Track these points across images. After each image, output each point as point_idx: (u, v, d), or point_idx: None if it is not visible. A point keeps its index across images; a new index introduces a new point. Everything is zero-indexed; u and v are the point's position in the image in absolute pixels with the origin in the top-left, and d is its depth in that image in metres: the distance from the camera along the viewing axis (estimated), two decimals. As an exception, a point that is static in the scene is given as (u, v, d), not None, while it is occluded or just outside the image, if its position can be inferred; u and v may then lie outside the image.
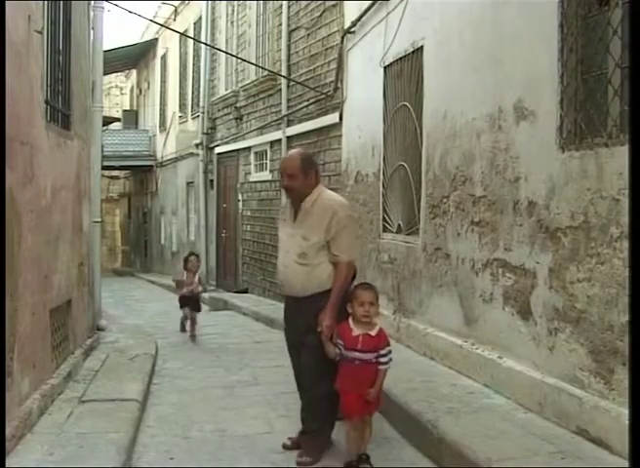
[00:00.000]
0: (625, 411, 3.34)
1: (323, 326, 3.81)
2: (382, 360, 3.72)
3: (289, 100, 10.94)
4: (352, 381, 3.73)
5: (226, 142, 14.57)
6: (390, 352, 3.78)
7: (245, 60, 12.38)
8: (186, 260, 8.06)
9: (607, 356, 3.60)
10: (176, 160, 19.06)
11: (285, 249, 4.11)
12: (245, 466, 3.91)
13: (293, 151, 4.43)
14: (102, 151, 8.86)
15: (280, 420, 4.74)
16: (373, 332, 3.76)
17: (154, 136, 21.96)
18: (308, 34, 10.18)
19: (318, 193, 4.07)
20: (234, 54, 13.34)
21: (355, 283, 4.06)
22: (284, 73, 10.87)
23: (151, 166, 21.93)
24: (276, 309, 9.06)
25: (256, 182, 12.75)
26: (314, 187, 4.08)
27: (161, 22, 17.05)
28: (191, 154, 16.99)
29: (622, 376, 3.46)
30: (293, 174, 4.05)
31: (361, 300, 3.75)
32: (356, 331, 3.75)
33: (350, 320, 3.80)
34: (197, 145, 16.24)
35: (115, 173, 25.82)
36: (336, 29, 9.00)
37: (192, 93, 17.57)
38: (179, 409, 5.01)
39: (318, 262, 3.96)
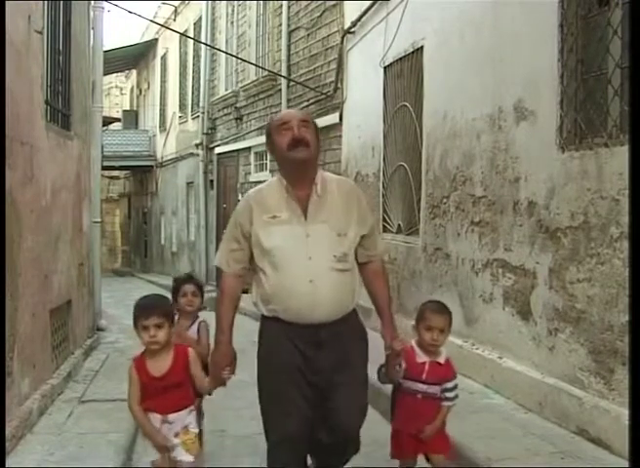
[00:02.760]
0: (625, 411, 3.34)
1: (396, 348, 2.91)
2: (449, 395, 3.10)
3: (289, 101, 10.94)
4: (409, 418, 3.10)
5: (226, 142, 14.57)
6: (457, 386, 3.15)
7: (245, 61, 12.38)
8: (177, 290, 3.77)
9: (607, 356, 3.59)
10: (176, 160, 19.05)
11: (301, 255, 2.79)
12: (245, 466, 3.91)
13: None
14: (102, 151, 8.86)
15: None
16: (441, 360, 3.11)
17: (154, 136, 21.94)
18: (308, 34, 10.18)
19: (322, 175, 2.96)
20: (234, 54, 13.34)
21: None
22: (284, 73, 10.87)
23: (151, 166, 21.92)
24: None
25: (256, 183, 12.72)
26: (317, 166, 3.00)
27: (161, 22, 17.04)
28: (191, 154, 16.99)
29: (622, 376, 3.46)
30: (308, 121, 2.91)
31: (429, 325, 3.06)
32: (421, 356, 3.09)
33: (414, 343, 3.13)
34: (197, 145, 16.24)
35: (115, 173, 25.79)
36: (336, 29, 9.00)
37: (192, 93, 17.57)
38: (179, 410, 4.99)
39: (353, 268, 2.94)
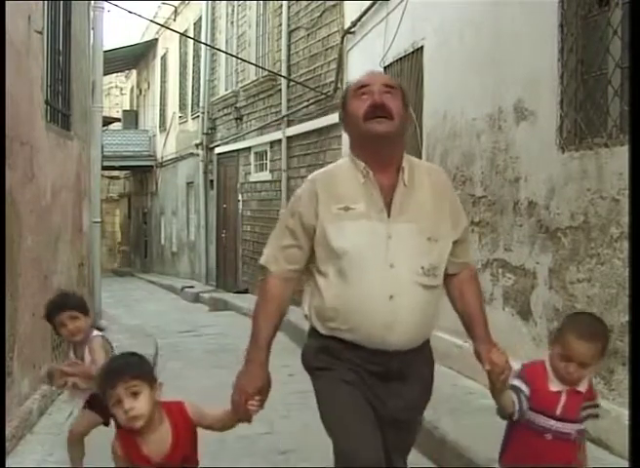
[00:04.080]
0: (625, 411, 3.34)
1: (500, 367, 2.18)
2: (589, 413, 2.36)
3: (289, 101, 10.94)
4: (529, 462, 2.30)
5: (226, 143, 14.57)
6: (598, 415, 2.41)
7: (245, 61, 12.39)
8: (51, 320, 3.21)
9: (607, 356, 3.59)
10: (176, 160, 19.05)
11: (380, 262, 2.20)
12: (245, 466, 3.91)
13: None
14: (102, 151, 8.87)
15: (280, 421, 4.73)
16: (582, 387, 2.30)
17: (154, 136, 21.95)
18: (308, 34, 10.18)
19: (409, 160, 2.34)
20: (234, 54, 13.34)
21: None
22: (284, 73, 10.87)
23: (151, 166, 21.92)
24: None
25: (256, 183, 12.75)
26: (404, 147, 2.37)
27: (161, 23, 17.04)
28: (191, 154, 16.99)
29: (622, 376, 3.46)
30: (394, 86, 2.28)
31: (567, 355, 2.23)
32: (555, 383, 2.29)
33: (547, 364, 2.31)
34: (197, 145, 16.24)
35: (115, 173, 25.80)
36: (336, 29, 9.00)
37: (192, 93, 17.57)
38: (179, 410, 4.99)
39: (442, 284, 2.37)
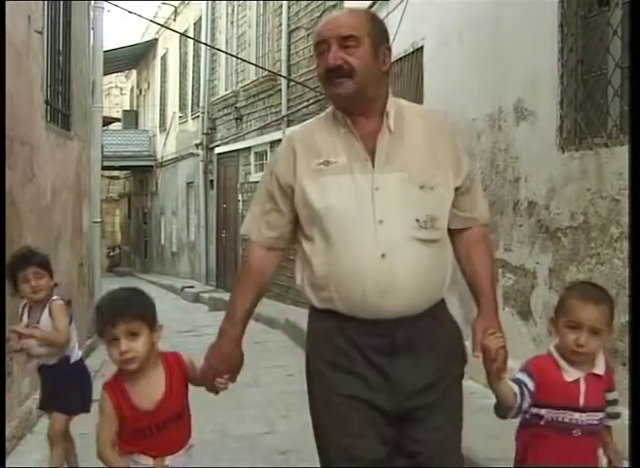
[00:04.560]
0: (625, 412, 3.34)
1: (492, 348, 1.97)
2: (612, 412, 2.23)
3: (289, 101, 10.94)
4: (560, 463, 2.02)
5: (226, 143, 14.57)
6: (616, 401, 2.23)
7: (245, 61, 12.39)
8: (14, 275, 3.06)
9: (607, 356, 3.59)
10: (176, 160, 19.05)
11: (367, 219, 1.95)
12: (245, 466, 3.91)
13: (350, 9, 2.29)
14: (102, 151, 8.86)
15: (280, 420, 4.73)
16: (599, 370, 2.11)
17: (154, 136, 21.95)
18: (308, 34, 10.17)
19: (397, 103, 2.08)
20: (234, 54, 13.34)
21: None
22: (284, 73, 10.88)
23: (151, 166, 21.93)
24: (276, 309, 9.08)
25: (256, 183, 12.73)
26: (387, 90, 2.07)
27: (161, 23, 17.04)
28: (191, 154, 16.99)
29: (622, 376, 3.46)
30: (353, 36, 1.96)
31: (578, 320, 2.03)
32: (570, 371, 2.05)
33: (554, 349, 2.12)
34: (197, 145, 16.24)
35: (115, 173, 25.81)
36: (336, 29, 8.99)
37: (192, 93, 17.57)
38: (179, 410, 4.99)
39: (445, 237, 2.08)
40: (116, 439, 2.13)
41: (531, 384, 2.05)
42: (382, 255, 1.91)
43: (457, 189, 2.06)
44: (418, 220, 1.95)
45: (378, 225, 1.93)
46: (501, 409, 2.09)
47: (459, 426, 2.10)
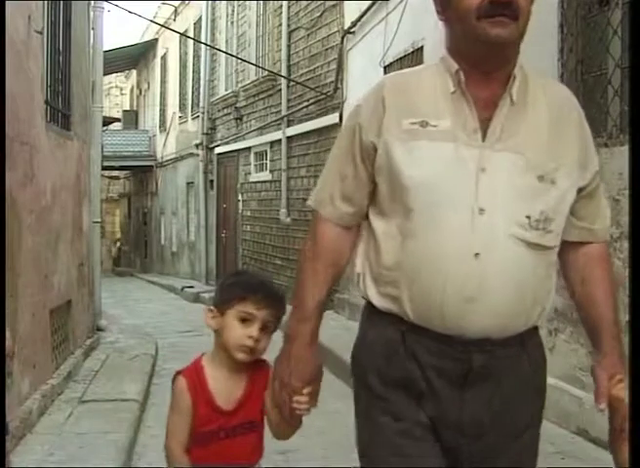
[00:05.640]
0: (625, 412, 3.34)
1: (623, 400, 1.59)
2: None
3: (289, 101, 10.94)
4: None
5: (226, 143, 14.57)
6: None
7: (245, 61, 12.39)
8: None
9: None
10: (176, 160, 19.06)
11: (465, 203, 1.52)
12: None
13: None
14: (102, 151, 8.87)
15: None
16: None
17: (154, 136, 21.96)
18: (308, 34, 10.18)
19: (521, 69, 1.60)
20: (234, 54, 13.35)
21: None
22: (284, 73, 10.88)
23: (151, 166, 21.92)
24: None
25: (256, 183, 12.75)
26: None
27: (161, 23, 17.06)
28: (191, 154, 17.00)
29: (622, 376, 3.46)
30: None
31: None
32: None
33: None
34: (197, 145, 16.25)
35: (115, 173, 25.80)
36: (336, 29, 9.00)
37: (192, 93, 17.58)
38: (179, 410, 4.99)
39: (557, 248, 1.64)
40: (188, 441, 1.80)
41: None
42: (476, 255, 1.48)
43: (580, 190, 1.60)
44: (529, 218, 1.51)
45: (477, 215, 1.48)
46: None
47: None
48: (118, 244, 26.59)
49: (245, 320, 1.77)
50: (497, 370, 1.56)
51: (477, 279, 1.48)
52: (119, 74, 27.51)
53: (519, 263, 1.51)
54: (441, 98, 1.56)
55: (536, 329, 1.65)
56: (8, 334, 3.02)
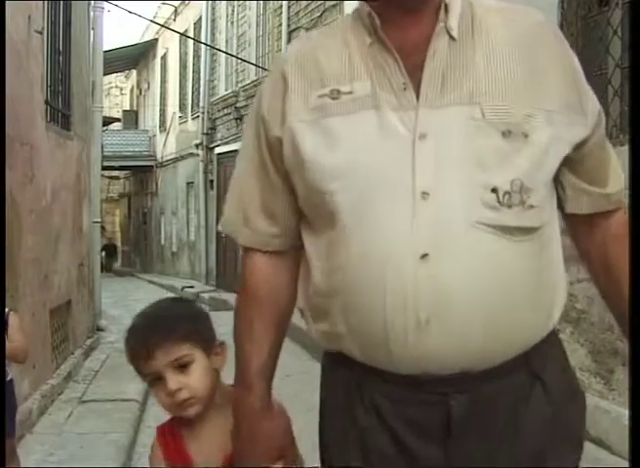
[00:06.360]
0: (625, 412, 3.34)
1: None
2: None
3: (289, 101, 10.94)
4: None
5: (226, 143, 14.57)
6: None
7: (245, 61, 12.39)
8: None
9: (607, 356, 3.59)
10: (176, 160, 19.06)
11: (402, 187, 1.06)
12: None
13: None
14: (102, 151, 8.87)
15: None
16: None
17: (154, 136, 21.96)
18: (308, 34, 10.19)
19: None
20: (234, 54, 13.35)
21: None
22: (284, 73, 10.88)
23: (151, 166, 21.93)
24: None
25: (256, 182, 12.76)
26: None
27: (161, 23, 17.06)
28: (191, 154, 17.00)
29: (622, 377, 3.46)
30: None
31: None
32: None
33: None
34: (197, 146, 16.25)
35: (115, 173, 25.82)
36: (336, 29, 9.01)
37: (192, 93, 17.59)
38: (179, 410, 5.00)
39: (550, 224, 1.16)
40: None
41: None
42: (423, 256, 1.04)
43: (581, 144, 1.15)
44: (496, 191, 1.06)
45: (419, 201, 1.05)
46: None
47: None
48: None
49: (152, 381, 1.38)
50: (492, 413, 1.11)
51: (429, 290, 1.04)
52: (119, 74, 27.52)
53: (492, 258, 1.07)
54: (356, 56, 1.13)
55: (552, 337, 1.18)
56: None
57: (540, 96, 1.11)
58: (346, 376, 1.17)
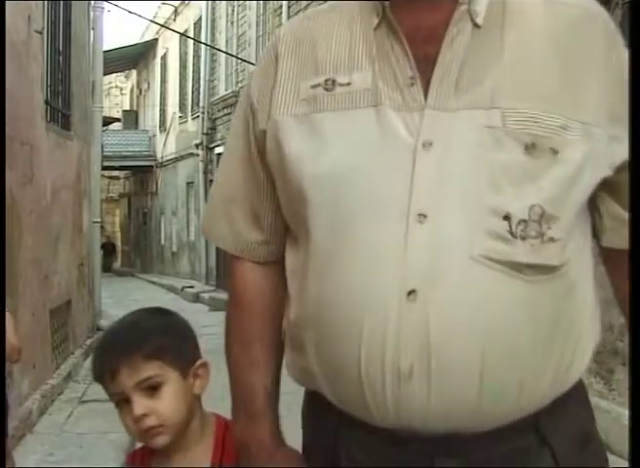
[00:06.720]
0: (625, 412, 3.34)
1: None
2: None
3: (289, 101, 10.95)
4: None
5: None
6: None
7: (245, 61, 12.39)
8: None
9: (607, 356, 3.59)
10: (176, 160, 19.07)
11: (393, 204, 0.87)
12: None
13: None
14: (102, 151, 8.87)
15: (280, 420, 4.74)
16: None
17: (154, 136, 21.97)
18: (308, 34, 10.19)
19: None
20: (234, 54, 13.35)
21: None
22: (284, 73, 10.89)
23: (151, 166, 21.94)
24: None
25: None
26: None
27: (161, 23, 17.07)
28: (191, 154, 17.00)
29: (622, 376, 3.46)
30: None
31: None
32: None
33: None
34: (197, 146, 16.26)
35: (115, 173, 25.83)
36: (336, 29, 9.01)
37: (192, 93, 17.59)
38: (179, 410, 5.00)
39: (575, 262, 0.93)
40: None
41: None
42: (410, 293, 0.86)
43: (622, 167, 0.93)
44: (507, 219, 0.87)
45: (414, 225, 0.87)
46: None
47: None
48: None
49: (119, 402, 1.20)
50: None
51: (414, 333, 0.86)
52: (119, 74, 27.52)
53: (494, 300, 0.87)
54: (359, 40, 0.94)
55: (573, 393, 1.06)
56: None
57: (578, 103, 0.90)
58: (324, 424, 1.01)
